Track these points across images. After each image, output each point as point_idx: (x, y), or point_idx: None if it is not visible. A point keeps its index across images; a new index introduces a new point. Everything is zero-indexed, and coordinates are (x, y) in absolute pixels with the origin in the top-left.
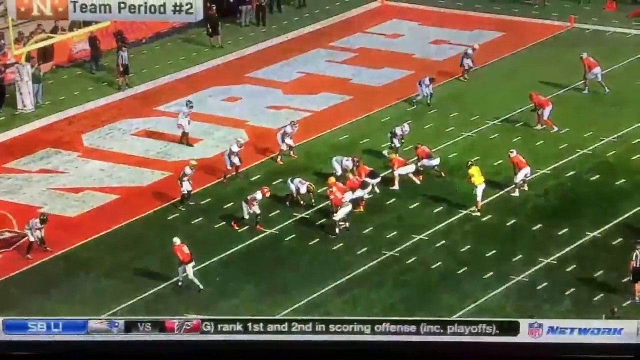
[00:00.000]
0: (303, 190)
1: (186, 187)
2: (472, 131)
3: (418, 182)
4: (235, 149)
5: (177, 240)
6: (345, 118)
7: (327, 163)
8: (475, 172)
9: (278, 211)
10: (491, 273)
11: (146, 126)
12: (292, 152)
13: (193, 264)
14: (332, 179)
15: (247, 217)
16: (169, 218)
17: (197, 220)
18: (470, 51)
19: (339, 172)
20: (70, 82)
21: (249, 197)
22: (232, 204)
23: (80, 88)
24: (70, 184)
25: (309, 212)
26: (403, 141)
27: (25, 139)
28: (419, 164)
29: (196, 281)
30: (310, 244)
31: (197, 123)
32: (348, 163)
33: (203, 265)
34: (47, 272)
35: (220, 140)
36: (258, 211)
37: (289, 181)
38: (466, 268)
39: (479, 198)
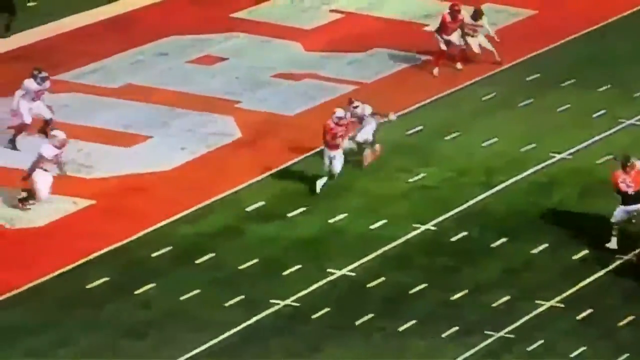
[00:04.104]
0: None
1: None
2: None
3: None
4: (49, 151)
5: None
6: (426, 92)
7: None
8: None
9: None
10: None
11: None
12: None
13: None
14: None
15: None
16: (87, 286)
17: None
18: None
19: None
20: None
21: None
22: None
23: None
24: None
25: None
26: None
27: None
28: None
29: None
30: None
31: (141, 105)
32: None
33: None
34: None
35: (181, 135)
36: None
37: None
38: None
39: None
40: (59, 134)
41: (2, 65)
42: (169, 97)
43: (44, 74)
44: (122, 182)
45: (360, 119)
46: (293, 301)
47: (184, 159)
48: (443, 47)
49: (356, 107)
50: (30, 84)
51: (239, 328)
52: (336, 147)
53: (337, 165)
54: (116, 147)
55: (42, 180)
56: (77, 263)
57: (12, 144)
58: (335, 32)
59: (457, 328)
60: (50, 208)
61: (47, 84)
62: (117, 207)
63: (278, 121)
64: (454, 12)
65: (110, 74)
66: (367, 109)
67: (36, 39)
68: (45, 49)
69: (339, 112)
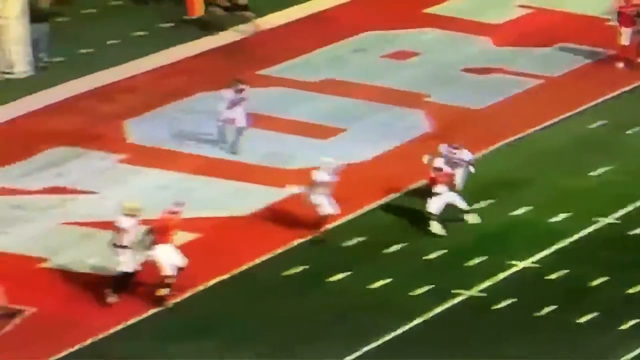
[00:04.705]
0: None
1: (125, 259)
2: None
3: None
4: (323, 176)
5: None
6: (610, 86)
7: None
8: None
9: None
10: None
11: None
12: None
13: None
14: None
15: None
16: (284, 274)
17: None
18: None
19: None
20: (101, 19)
21: None
22: None
23: (122, 30)
24: (103, 215)
25: None
26: None
27: (15, 130)
28: None
29: None
30: None
31: (338, 99)
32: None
33: None
34: None
35: (374, 128)
36: None
37: None
38: None
39: None
40: (331, 162)
41: (214, 59)
42: (363, 91)
43: (241, 87)
44: None
45: (457, 164)
46: (478, 291)
47: (377, 151)
48: (625, 41)
49: (455, 151)
50: (227, 93)
51: (426, 317)
52: (439, 191)
53: (459, 202)
54: (314, 139)
55: (321, 201)
56: (276, 252)
57: (222, 137)
58: (523, 27)
59: (637, 321)
60: (254, 198)
61: (243, 95)
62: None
63: (467, 115)
64: None
65: (311, 68)
66: (466, 155)
67: (245, 35)
68: (253, 44)
69: (438, 162)
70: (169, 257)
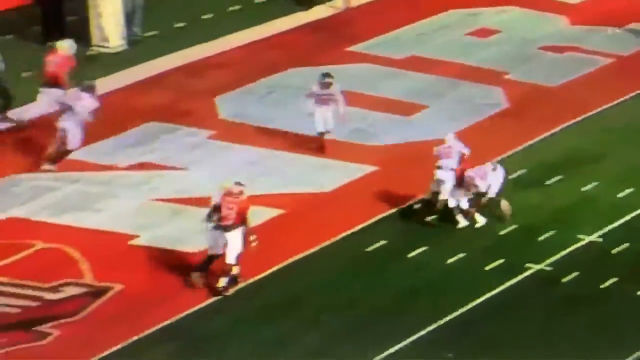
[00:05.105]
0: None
1: (211, 239)
2: None
3: None
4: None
5: None
6: None
7: None
8: None
9: None
10: None
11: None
12: None
13: None
14: None
15: None
16: (369, 249)
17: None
18: None
19: None
20: None
21: None
22: None
23: (216, 5)
24: (193, 191)
25: None
26: None
27: (108, 104)
28: None
29: None
30: None
31: (421, 76)
32: None
33: None
34: None
35: (454, 105)
36: None
37: None
38: None
39: None
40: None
41: (306, 35)
42: (446, 68)
43: (326, 80)
44: (403, 150)
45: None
46: (546, 265)
47: (458, 127)
48: None
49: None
50: (314, 86)
51: (498, 290)
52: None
53: (451, 201)
54: (397, 115)
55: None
56: (359, 227)
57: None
58: (598, 6)
59: None
60: (338, 174)
61: (331, 91)
62: (398, 173)
63: (542, 92)
64: None
65: (397, 45)
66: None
67: (336, 11)
68: (343, 21)
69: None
70: (237, 245)
